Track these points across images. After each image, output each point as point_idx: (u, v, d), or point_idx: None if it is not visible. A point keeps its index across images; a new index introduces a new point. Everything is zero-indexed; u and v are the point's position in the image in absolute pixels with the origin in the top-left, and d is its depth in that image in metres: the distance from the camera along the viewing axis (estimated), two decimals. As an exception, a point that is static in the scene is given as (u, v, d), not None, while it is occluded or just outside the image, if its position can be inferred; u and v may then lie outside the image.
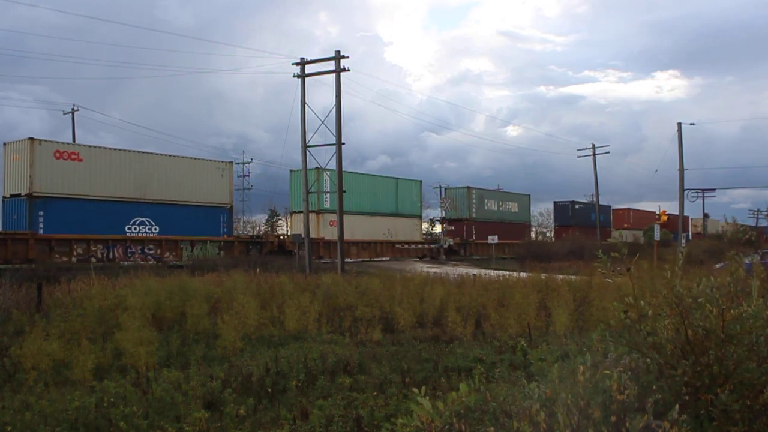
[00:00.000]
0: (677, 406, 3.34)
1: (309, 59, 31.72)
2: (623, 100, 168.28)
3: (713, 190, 58.96)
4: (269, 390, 8.08)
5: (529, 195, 65.64)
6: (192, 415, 6.48)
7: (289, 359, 9.87)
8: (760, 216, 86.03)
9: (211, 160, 37.35)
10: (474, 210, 55.03)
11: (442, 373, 8.93)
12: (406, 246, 47.39)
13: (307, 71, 31.67)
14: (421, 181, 50.89)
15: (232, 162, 38.71)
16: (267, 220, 72.16)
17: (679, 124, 45.58)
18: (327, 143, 32.07)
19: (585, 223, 68.84)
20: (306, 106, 31.87)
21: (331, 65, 30.99)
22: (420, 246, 49.23)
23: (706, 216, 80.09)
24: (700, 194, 57.19)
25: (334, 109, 30.56)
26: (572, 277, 20.96)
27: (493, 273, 25.61)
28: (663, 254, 31.37)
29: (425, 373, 9.05)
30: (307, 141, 32.16)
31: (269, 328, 13.21)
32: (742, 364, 3.79)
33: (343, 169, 41.40)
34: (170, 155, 35.37)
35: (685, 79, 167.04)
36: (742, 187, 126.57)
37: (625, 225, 77.29)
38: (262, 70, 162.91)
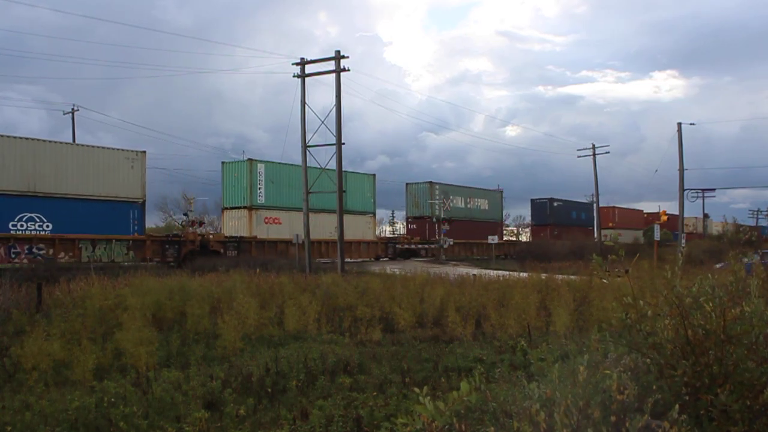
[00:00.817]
0: (677, 406, 3.35)
1: (309, 59, 31.73)
2: (621, 100, 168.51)
3: (713, 190, 58.71)
4: (269, 390, 8.08)
5: (501, 191, 61.94)
6: (192, 415, 6.48)
7: (289, 359, 9.87)
8: (760, 216, 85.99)
9: (119, 149, 32.64)
10: (437, 207, 51.51)
11: (442, 373, 8.93)
12: (357, 245, 43.31)
13: (307, 71, 31.67)
14: (374, 175, 46.83)
15: (144, 151, 33.58)
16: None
17: (679, 124, 45.61)
18: (327, 143, 32.08)
19: (565, 222, 66.50)
20: (306, 106, 31.90)
21: (330, 65, 31.00)
22: (374, 245, 45.27)
23: (706, 216, 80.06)
24: (700, 194, 57.06)
25: (334, 109, 30.58)
26: (572, 277, 20.97)
27: (492, 273, 25.61)
28: (662, 254, 31.38)
29: (425, 373, 9.06)
30: (307, 141, 32.16)
31: (269, 328, 13.22)
32: (742, 365, 3.79)
33: (281, 162, 40.05)
34: (67, 143, 31.87)
35: (683, 79, 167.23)
36: (742, 187, 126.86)
37: (610, 224, 74.01)
38: (261, 70, 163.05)
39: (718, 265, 25.45)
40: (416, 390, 3.16)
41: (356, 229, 43.49)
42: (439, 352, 10.64)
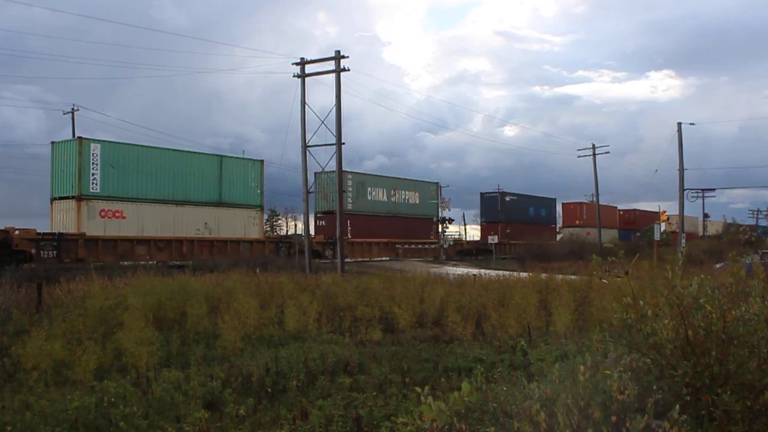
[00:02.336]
0: (677, 406, 3.35)
1: (308, 59, 31.73)
2: (618, 100, 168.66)
3: (713, 190, 58.61)
4: (269, 390, 8.08)
5: (438, 183, 53.67)
6: (192, 415, 6.48)
7: (289, 359, 9.87)
8: (760, 216, 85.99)
9: None
10: (350, 200, 43.94)
11: (442, 373, 8.93)
12: (235, 245, 35.57)
13: (307, 71, 31.68)
14: (262, 161, 38.42)
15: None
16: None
17: (679, 124, 45.61)
18: (326, 143, 32.06)
19: (521, 219, 60.22)
20: (306, 106, 31.89)
21: (330, 65, 31.00)
22: (259, 245, 37.17)
23: (706, 216, 79.95)
24: (700, 194, 57.02)
25: (334, 108, 30.57)
26: (572, 277, 20.97)
27: (493, 273, 25.62)
28: (661, 254, 31.39)
29: (425, 373, 9.05)
30: (307, 141, 32.15)
31: (269, 328, 13.22)
32: (743, 365, 3.79)
33: (127, 142, 32.96)
34: None
35: (679, 79, 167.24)
36: (741, 187, 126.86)
37: (577, 222, 68.40)
38: (260, 70, 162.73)
39: (718, 265, 25.46)
40: (417, 389, 3.16)
41: (234, 225, 36.00)
42: (439, 352, 10.63)
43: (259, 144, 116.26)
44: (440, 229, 51.77)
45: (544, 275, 20.30)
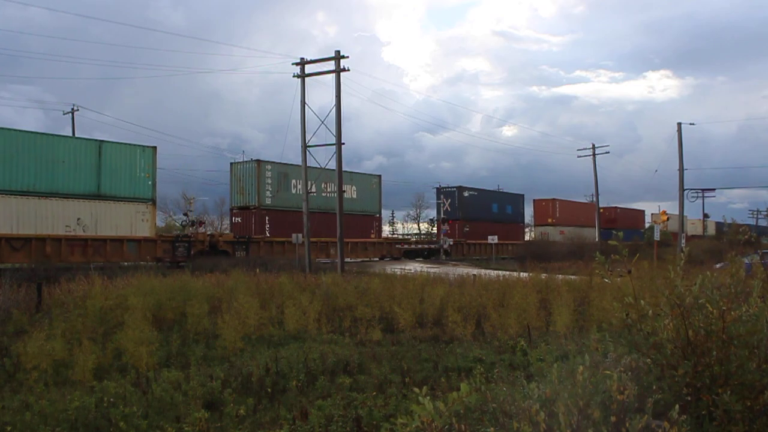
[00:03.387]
0: (677, 406, 3.34)
1: (308, 59, 31.73)
2: (616, 100, 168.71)
3: (713, 190, 58.69)
4: (269, 390, 8.08)
5: (380, 176, 47.78)
6: (192, 415, 6.48)
7: (289, 359, 9.87)
8: (760, 216, 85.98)
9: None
10: (269, 194, 38.75)
11: (442, 373, 8.93)
12: (118, 244, 30.17)
13: (306, 71, 31.68)
14: (154, 147, 32.48)
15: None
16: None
17: (679, 124, 45.64)
18: (326, 143, 32.05)
19: (482, 217, 55.26)
20: (306, 105, 31.88)
21: (330, 65, 31.00)
22: (149, 245, 31.62)
23: (706, 216, 79.85)
24: (700, 194, 57.03)
25: (334, 108, 30.57)
26: (572, 277, 20.96)
27: (492, 273, 25.62)
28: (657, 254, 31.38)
29: (425, 373, 9.05)
30: (306, 141, 32.15)
31: (269, 328, 13.21)
32: (743, 365, 3.79)
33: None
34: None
35: (676, 79, 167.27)
36: (741, 187, 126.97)
37: (550, 220, 63.88)
38: (258, 70, 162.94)
39: (718, 265, 25.43)
40: (416, 390, 3.16)
41: (117, 221, 30.49)
42: (439, 352, 10.63)
43: (257, 144, 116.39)
44: (442, 228, 51.63)
45: (544, 275, 20.31)
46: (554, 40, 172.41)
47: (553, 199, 66.69)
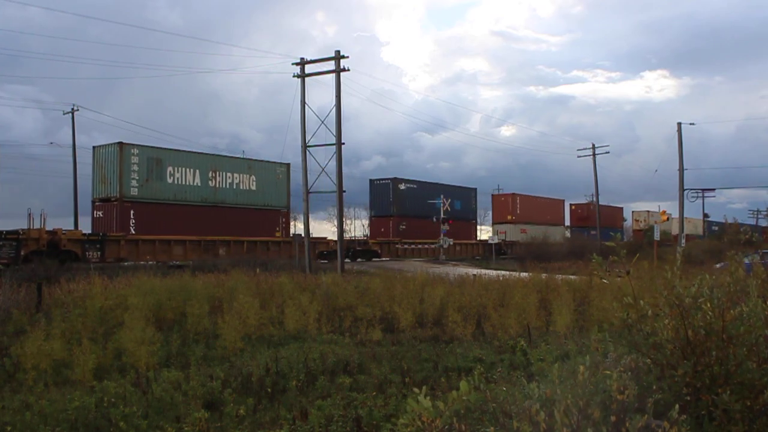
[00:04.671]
0: (677, 406, 3.35)
1: (307, 59, 31.72)
2: (613, 100, 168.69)
3: (713, 190, 58.62)
4: (269, 390, 8.08)
5: (288, 164, 39.95)
6: (192, 415, 6.48)
7: (289, 359, 9.87)
8: (760, 216, 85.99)
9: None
10: (135, 184, 31.64)
11: (442, 373, 8.93)
12: None
13: (306, 71, 31.68)
14: None
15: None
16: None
17: (679, 124, 45.63)
18: (326, 143, 32.02)
19: (424, 213, 49.15)
20: (306, 105, 31.87)
21: (330, 65, 31.00)
22: None
23: (706, 216, 79.81)
24: (700, 194, 56.98)
25: (334, 108, 30.57)
26: (572, 277, 20.98)
27: (492, 273, 25.63)
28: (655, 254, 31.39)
29: (425, 373, 9.05)
30: (306, 141, 32.15)
31: (269, 328, 13.21)
32: (742, 365, 3.79)
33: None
34: None
35: (674, 79, 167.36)
36: (740, 187, 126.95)
37: (510, 217, 58.75)
38: (257, 70, 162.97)
39: (718, 265, 25.43)
40: (416, 390, 3.16)
41: None
42: (439, 352, 10.63)
43: (255, 144, 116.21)
44: (442, 228, 51.27)
45: (544, 275, 20.32)
46: (553, 40, 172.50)
47: (513, 194, 60.96)
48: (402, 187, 48.06)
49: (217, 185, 35.52)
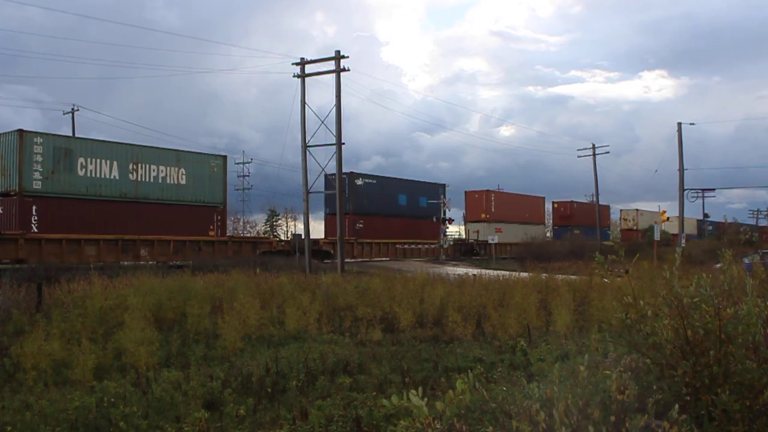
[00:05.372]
0: (677, 406, 3.35)
1: (307, 59, 31.72)
2: (612, 100, 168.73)
3: (713, 190, 58.57)
4: (269, 390, 8.08)
5: (225, 157, 36.43)
6: (192, 415, 6.48)
7: (289, 359, 9.87)
8: (760, 216, 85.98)
9: None
10: (38, 176, 27.52)
11: (442, 373, 8.93)
12: None
13: (306, 71, 31.68)
14: None
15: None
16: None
17: (679, 124, 45.65)
18: (326, 143, 32.04)
19: (384, 210, 44.98)
20: (306, 106, 31.88)
21: (330, 65, 31.01)
22: None
23: (706, 216, 79.70)
24: (700, 194, 56.93)
25: (334, 108, 30.58)
26: (572, 277, 20.98)
27: (493, 273, 25.64)
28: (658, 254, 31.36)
29: (425, 373, 9.05)
30: (306, 141, 32.16)
31: (269, 328, 13.22)
32: (742, 365, 3.79)
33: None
34: None
35: (672, 79, 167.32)
36: (740, 187, 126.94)
37: (483, 216, 55.26)
38: (257, 70, 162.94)
39: (717, 265, 25.44)
40: (413, 392, 3.16)
41: None
42: (439, 352, 10.64)
43: (254, 144, 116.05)
44: (442, 229, 51.08)
45: (544, 275, 20.32)
46: (552, 40, 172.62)
47: (487, 190, 57.16)
48: (359, 182, 43.79)
49: (139, 179, 31.22)
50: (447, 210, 52.51)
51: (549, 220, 72.80)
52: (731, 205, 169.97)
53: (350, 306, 15.42)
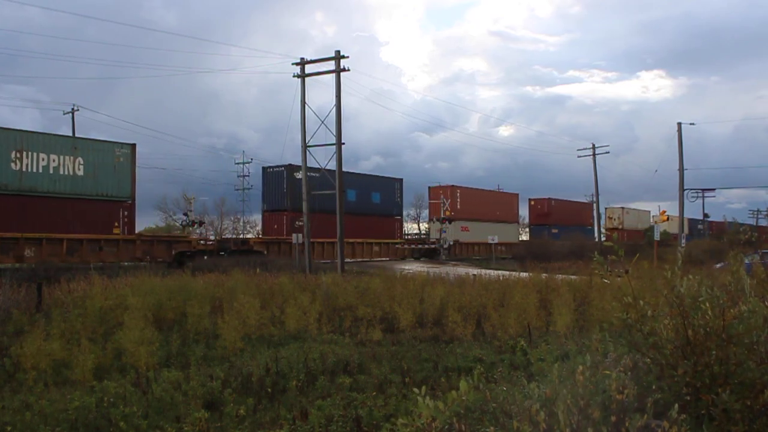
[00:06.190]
0: (677, 405, 3.35)
1: (307, 59, 31.70)
2: (610, 100, 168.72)
3: (713, 190, 58.54)
4: (269, 390, 8.08)
5: (134, 145, 31.83)
6: (192, 415, 6.48)
7: (289, 359, 9.87)
8: (760, 216, 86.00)
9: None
10: None
11: (442, 373, 8.93)
12: None
13: (306, 71, 31.66)
14: None
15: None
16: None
17: (679, 124, 45.61)
18: (326, 143, 32.00)
19: (331, 207, 36.40)
20: (306, 106, 31.86)
21: (330, 65, 30.97)
22: None
23: (706, 216, 79.71)
24: (700, 194, 56.90)
25: (334, 108, 30.56)
26: (572, 277, 20.98)
27: (493, 273, 25.65)
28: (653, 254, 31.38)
29: (425, 373, 9.05)
30: (306, 141, 32.15)
31: (269, 328, 13.22)
32: (742, 365, 3.79)
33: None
34: None
35: (670, 79, 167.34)
36: (740, 187, 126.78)
37: (448, 213, 51.59)
38: (256, 70, 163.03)
39: (718, 265, 25.43)
40: (415, 390, 3.16)
41: None
42: (439, 352, 10.63)
43: (252, 144, 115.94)
44: (442, 229, 50.72)
45: (544, 275, 20.32)
46: (551, 40, 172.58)
47: (452, 185, 53.02)
48: (299, 176, 37.43)
49: (25, 168, 27.08)
50: (446, 209, 52.15)
51: (526, 218, 70.67)
52: (730, 205, 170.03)
53: (350, 306, 15.42)
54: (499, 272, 26.16)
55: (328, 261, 37.10)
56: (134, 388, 8.08)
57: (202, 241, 35.63)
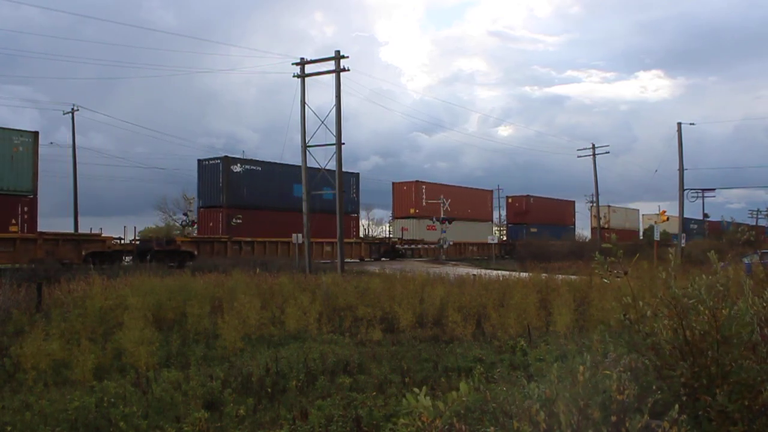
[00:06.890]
0: (677, 406, 3.35)
1: (307, 59, 31.69)
2: (609, 100, 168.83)
3: (713, 189, 58.52)
4: (269, 390, 8.09)
5: (37, 133, 28.56)
6: (192, 415, 6.48)
7: (289, 359, 9.87)
8: (759, 216, 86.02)
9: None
10: None
11: (442, 373, 8.93)
12: None
13: (306, 71, 31.66)
14: None
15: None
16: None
17: (679, 124, 45.60)
18: (325, 143, 32.00)
19: (273, 203, 38.07)
20: (306, 106, 31.86)
21: (329, 65, 30.97)
22: None
23: (706, 216, 79.69)
24: (700, 194, 56.88)
25: (334, 108, 30.56)
26: (572, 277, 20.98)
27: (493, 273, 25.66)
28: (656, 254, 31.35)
29: (425, 373, 9.06)
30: (306, 141, 32.15)
31: (269, 328, 13.22)
32: (738, 365, 3.79)
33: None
34: None
35: (668, 79, 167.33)
36: (739, 187, 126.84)
37: (412, 211, 48.96)
38: (256, 70, 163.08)
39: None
40: (416, 390, 3.16)
41: None
42: (439, 352, 10.63)
43: (253, 144, 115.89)
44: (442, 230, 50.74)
45: (544, 275, 20.33)
46: (550, 40, 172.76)
47: (417, 181, 49.51)
48: (237, 169, 36.22)
49: None
50: (446, 208, 52.16)
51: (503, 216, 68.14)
52: (730, 205, 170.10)
53: (350, 306, 15.42)
54: (499, 272, 26.18)
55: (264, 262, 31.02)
56: (134, 388, 8.08)
57: (116, 241, 32.32)
